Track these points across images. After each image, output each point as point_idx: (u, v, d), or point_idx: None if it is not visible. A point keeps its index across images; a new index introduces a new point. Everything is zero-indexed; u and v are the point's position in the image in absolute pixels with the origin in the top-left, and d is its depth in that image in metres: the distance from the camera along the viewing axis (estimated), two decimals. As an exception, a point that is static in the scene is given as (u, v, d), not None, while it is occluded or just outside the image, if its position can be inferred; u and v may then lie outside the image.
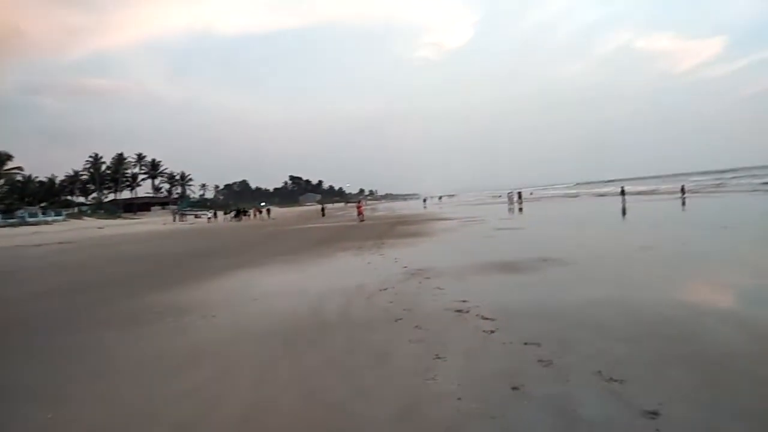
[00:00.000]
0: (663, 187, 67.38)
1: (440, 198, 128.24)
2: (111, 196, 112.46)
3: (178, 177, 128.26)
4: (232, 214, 65.69)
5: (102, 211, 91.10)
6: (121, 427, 4.02)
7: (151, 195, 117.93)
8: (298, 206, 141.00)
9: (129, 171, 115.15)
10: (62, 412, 4.34)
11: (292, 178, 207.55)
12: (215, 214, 67.29)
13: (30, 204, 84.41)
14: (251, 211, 68.09)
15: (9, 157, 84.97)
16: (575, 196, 67.44)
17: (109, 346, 6.35)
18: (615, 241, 13.72)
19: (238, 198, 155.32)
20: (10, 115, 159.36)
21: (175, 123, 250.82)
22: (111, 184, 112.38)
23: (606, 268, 9.37)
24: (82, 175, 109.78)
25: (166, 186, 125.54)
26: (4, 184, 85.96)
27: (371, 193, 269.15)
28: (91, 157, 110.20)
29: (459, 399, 4.00)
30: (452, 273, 9.56)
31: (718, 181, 66.35)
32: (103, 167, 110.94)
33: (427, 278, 9.19)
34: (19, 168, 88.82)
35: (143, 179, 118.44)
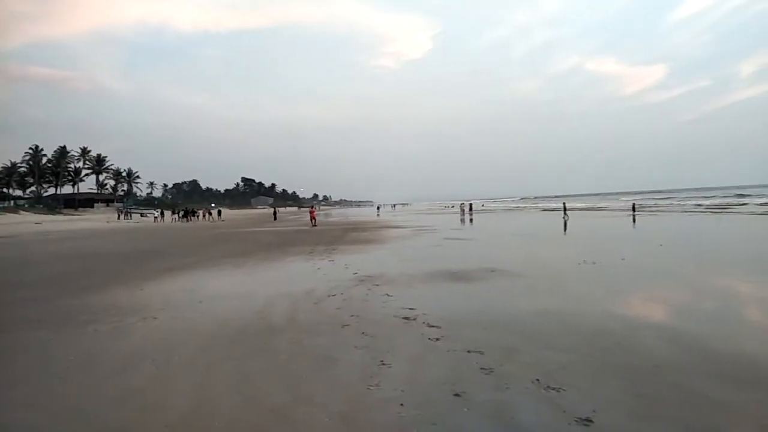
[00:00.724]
0: (605, 204, 70.74)
1: (394, 206, 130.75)
2: (51, 191, 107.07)
3: (124, 174, 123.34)
4: (180, 214, 63.53)
5: (41, 206, 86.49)
6: (47, 433, 3.82)
7: (94, 191, 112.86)
8: (249, 209, 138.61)
9: (72, 165, 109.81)
10: (-18, 417, 4.08)
11: (244, 180, 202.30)
12: (162, 214, 64.65)
13: (-41, 195, 79.19)
14: (200, 212, 65.91)
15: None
16: (522, 209, 70.31)
17: (40, 348, 6.03)
18: (559, 255, 14.19)
19: (188, 198, 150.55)
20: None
21: (124, 118, 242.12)
22: (51, 178, 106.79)
23: (549, 280, 9.68)
24: (20, 167, 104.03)
25: (112, 183, 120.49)
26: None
27: (325, 198, 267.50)
28: (31, 148, 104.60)
29: (402, 405, 4.03)
30: (402, 280, 9.65)
31: (657, 200, 69.90)
32: (44, 160, 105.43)
33: (377, 285, 9.23)
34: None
35: (87, 174, 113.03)
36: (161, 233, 34.24)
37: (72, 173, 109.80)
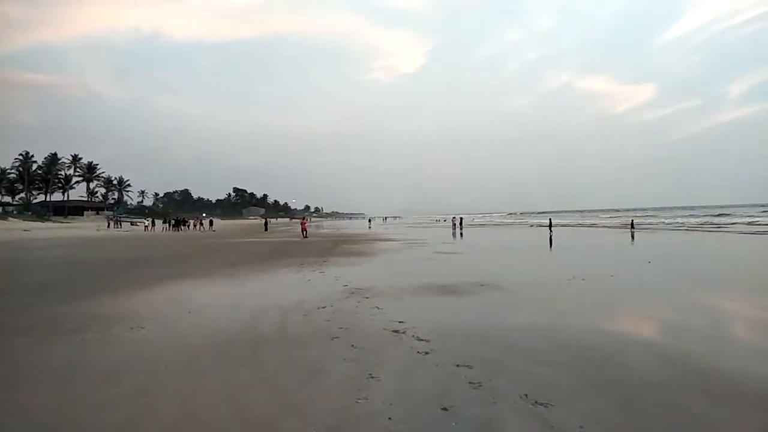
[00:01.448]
0: (595, 220, 71.25)
1: (385, 219, 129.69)
2: (41, 198, 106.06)
3: (115, 182, 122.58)
4: (171, 223, 62.88)
5: (29, 213, 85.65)
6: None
7: (85, 199, 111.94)
8: (241, 219, 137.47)
9: (62, 172, 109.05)
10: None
11: (236, 190, 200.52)
12: (153, 223, 63.97)
13: (-53, 200, 78.18)
14: (192, 222, 65.28)
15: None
16: (512, 225, 70.74)
17: (24, 355, 5.95)
18: (548, 270, 14.25)
19: (179, 207, 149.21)
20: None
21: (116, 125, 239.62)
22: (41, 185, 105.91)
23: (538, 295, 9.70)
24: (9, 173, 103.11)
25: (102, 191, 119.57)
26: None
27: (317, 210, 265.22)
28: (21, 155, 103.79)
29: (389, 419, 4.01)
30: (392, 293, 9.64)
31: (644, 217, 70.35)
32: (34, 167, 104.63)
33: (367, 298, 9.22)
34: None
35: (77, 182, 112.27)
36: (151, 242, 33.96)
37: (62, 180, 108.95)
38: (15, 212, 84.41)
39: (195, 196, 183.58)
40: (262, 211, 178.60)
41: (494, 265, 16.34)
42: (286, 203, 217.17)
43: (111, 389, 4.76)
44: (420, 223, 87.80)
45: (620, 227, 47.70)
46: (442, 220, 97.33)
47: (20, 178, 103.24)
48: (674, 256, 19.75)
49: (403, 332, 6.65)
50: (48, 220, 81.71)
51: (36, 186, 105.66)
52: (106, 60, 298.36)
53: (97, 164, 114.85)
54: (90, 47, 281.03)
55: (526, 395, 4.44)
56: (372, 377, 4.93)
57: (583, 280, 11.52)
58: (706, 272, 14.04)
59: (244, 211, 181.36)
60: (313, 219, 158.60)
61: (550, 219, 42.29)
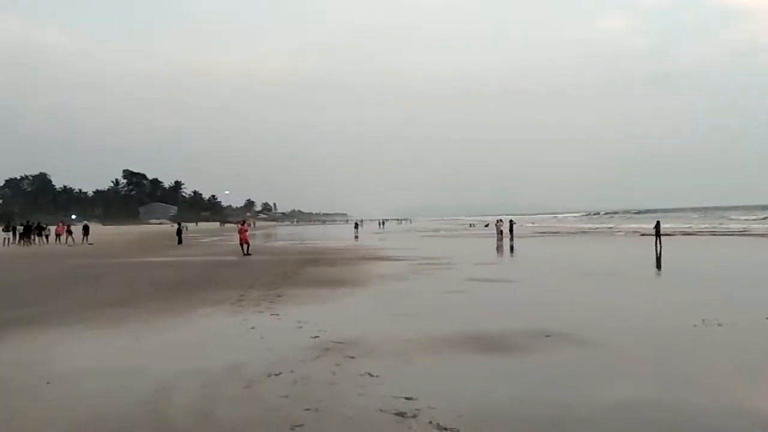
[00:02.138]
0: (727, 225, 50.68)
1: (383, 223, 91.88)
2: None
3: None
4: (18, 231, 39.90)
5: None
6: None
7: None
8: (137, 224, 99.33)
9: None
10: None
11: (128, 175, 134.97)
12: (-18, 231, 38.91)
13: None
14: (54, 229, 42.11)
15: None
16: (591, 232, 49.80)
17: None
18: (659, 309, 9.86)
19: (32, 205, 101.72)
20: None
21: None
22: None
23: (644, 354, 6.55)
24: None
25: None
26: None
27: (266, 208, 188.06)
28: None
29: None
30: (393, 350, 6.56)
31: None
32: None
33: (351, 357, 6.35)
34: None
35: None
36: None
37: None
38: None
39: (58, 184, 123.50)
40: (174, 210, 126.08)
41: (566, 300, 11.09)
42: (214, 197, 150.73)
43: None
44: (439, 231, 61.65)
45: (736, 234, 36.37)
46: (484, 225, 65.58)
47: None
48: None
49: (413, 416, 4.44)
50: None
51: None
52: None
53: None
54: None
55: None
56: None
57: (720, 325, 7.96)
58: None
59: (142, 210, 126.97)
60: (260, 223, 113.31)
61: (657, 223, 27.29)
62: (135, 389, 5.26)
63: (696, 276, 15.23)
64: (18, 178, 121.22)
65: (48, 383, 5.43)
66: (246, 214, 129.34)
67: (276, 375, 5.57)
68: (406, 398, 4.78)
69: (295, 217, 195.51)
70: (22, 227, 40.29)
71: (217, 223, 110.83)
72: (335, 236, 50.06)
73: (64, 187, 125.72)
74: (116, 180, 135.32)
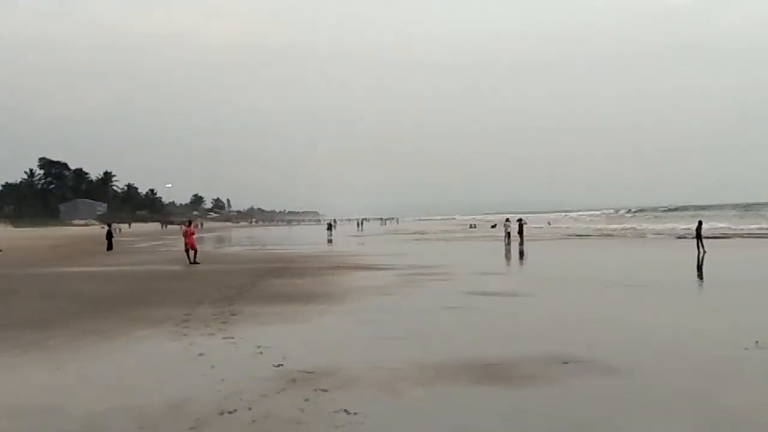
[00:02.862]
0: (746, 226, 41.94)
1: (361, 224, 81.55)
2: None
3: None
4: None
5: None
6: None
7: None
8: (57, 225, 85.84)
9: None
10: None
11: (46, 164, 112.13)
12: None
13: None
14: None
15: None
16: (616, 234, 41.46)
17: None
18: (698, 329, 8.27)
19: None
20: None
21: None
22: None
23: (681, 384, 5.38)
24: None
25: None
26: None
27: (218, 206, 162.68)
28: None
29: None
30: (375, 381, 5.35)
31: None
32: None
33: (324, 390, 5.13)
34: None
35: None
36: None
37: None
38: None
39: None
40: (103, 208, 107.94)
41: (586, 318, 9.33)
42: (153, 192, 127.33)
43: None
44: (436, 232, 54.29)
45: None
46: (482, 226, 59.33)
47: None
48: None
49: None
50: None
51: None
52: None
53: None
54: None
55: None
56: None
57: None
58: None
59: (63, 208, 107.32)
60: (211, 224, 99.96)
61: (699, 223, 22.55)
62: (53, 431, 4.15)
63: (745, 288, 12.79)
64: None
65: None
66: (193, 212, 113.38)
67: (230, 413, 4.39)
68: (393, 442, 3.69)
69: (254, 216, 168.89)
70: None
71: (157, 224, 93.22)
72: (304, 240, 43.53)
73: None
74: (30, 170, 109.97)
